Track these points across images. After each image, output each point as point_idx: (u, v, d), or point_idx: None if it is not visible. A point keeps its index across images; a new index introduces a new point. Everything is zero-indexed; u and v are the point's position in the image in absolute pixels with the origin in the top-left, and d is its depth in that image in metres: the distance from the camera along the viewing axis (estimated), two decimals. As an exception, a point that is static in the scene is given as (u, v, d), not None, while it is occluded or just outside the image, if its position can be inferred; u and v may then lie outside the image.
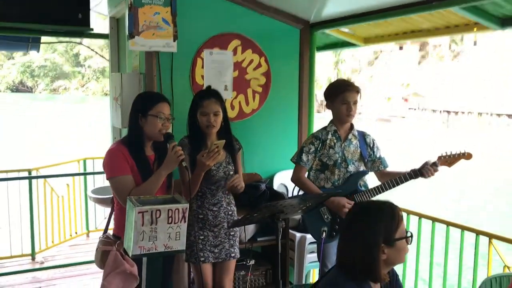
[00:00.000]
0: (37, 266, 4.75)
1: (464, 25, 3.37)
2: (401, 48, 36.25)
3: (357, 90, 3.05)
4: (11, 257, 4.87)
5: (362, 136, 3.22)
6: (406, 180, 2.99)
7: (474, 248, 2.97)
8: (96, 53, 6.17)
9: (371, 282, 1.73)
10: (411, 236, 1.74)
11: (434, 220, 3.17)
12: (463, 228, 3.05)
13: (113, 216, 2.75)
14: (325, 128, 3.20)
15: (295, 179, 3.13)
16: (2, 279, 4.38)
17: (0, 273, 4.45)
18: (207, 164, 2.59)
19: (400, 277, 3.26)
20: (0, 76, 50.61)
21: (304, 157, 3.11)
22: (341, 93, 3.02)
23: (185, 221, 2.10)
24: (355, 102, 3.04)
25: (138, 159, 2.52)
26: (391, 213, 1.73)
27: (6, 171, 5.09)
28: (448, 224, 3.09)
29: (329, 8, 3.71)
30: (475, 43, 35.28)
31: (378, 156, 3.20)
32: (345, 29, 4.12)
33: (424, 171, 2.93)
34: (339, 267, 1.77)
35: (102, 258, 2.52)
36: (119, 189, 2.48)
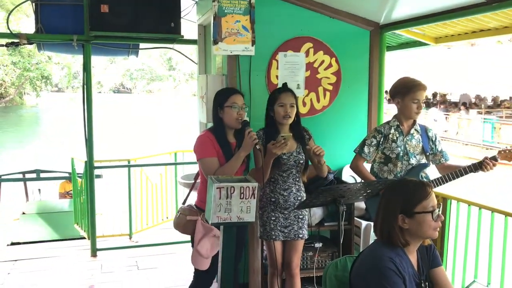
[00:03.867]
0: (133, 244, 5.35)
1: (531, 23, 3.41)
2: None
3: (425, 89, 3.24)
4: (113, 235, 5.54)
5: (425, 130, 3.39)
6: (466, 173, 3.14)
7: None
8: (186, 56, 6.66)
9: (406, 250, 1.95)
10: (432, 211, 1.89)
11: (493, 210, 3.27)
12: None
13: (196, 190, 3.18)
14: (388, 122, 3.41)
15: (353, 166, 3.40)
16: (105, 252, 5.04)
17: (104, 247, 5.09)
18: (274, 153, 2.90)
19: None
20: (104, 79, 55.33)
21: (365, 149, 3.37)
22: (412, 92, 3.21)
23: (254, 198, 2.47)
24: (423, 101, 3.26)
25: (223, 145, 2.96)
26: (415, 188, 1.93)
27: (110, 161, 5.71)
28: (507, 214, 3.18)
29: (399, 10, 3.82)
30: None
31: (439, 149, 3.36)
32: (414, 29, 4.27)
33: (483, 165, 3.08)
34: (378, 237, 2.04)
35: (187, 225, 2.96)
36: (206, 169, 2.92)
